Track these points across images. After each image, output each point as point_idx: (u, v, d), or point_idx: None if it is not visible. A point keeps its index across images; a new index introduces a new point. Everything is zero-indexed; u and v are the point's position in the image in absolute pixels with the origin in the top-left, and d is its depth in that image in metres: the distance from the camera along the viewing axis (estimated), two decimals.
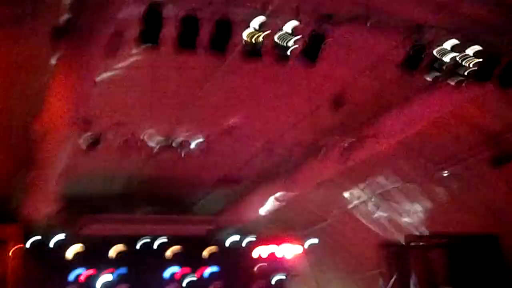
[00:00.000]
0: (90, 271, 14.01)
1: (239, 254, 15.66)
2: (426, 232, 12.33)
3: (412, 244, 11.73)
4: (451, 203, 11.82)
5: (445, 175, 11.33)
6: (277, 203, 12.91)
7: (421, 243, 11.84)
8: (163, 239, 14.77)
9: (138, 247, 14.60)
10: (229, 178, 12.19)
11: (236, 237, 15.68)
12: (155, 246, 14.77)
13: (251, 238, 15.75)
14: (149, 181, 13.21)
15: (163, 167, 12.48)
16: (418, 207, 12.49)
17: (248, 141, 10.38)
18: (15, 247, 12.79)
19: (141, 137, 9.19)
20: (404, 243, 11.84)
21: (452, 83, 7.91)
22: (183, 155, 9.48)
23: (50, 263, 13.58)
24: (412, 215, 12.65)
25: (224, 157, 11.64)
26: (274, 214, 14.15)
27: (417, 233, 12.39)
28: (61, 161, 10.27)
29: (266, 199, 13.09)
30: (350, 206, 13.52)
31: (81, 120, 8.81)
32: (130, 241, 14.43)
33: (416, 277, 11.51)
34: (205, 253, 15.44)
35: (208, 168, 12.52)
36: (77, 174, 11.45)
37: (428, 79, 7.93)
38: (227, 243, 15.64)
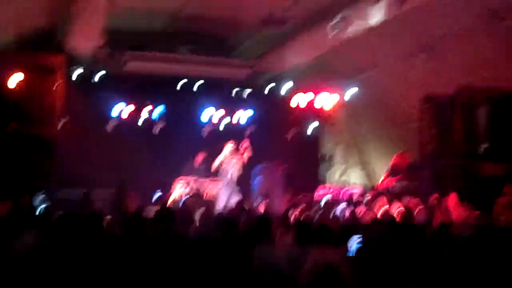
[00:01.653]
0: (132, 108, 14.29)
1: (277, 100, 15.72)
2: (471, 86, 11.99)
3: (457, 98, 11.51)
4: (499, 58, 11.39)
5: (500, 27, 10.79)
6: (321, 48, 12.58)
7: (466, 98, 11.59)
8: (203, 81, 14.81)
9: (178, 87, 14.72)
10: (273, 19, 11.79)
11: (275, 83, 15.66)
12: (194, 87, 14.87)
13: (290, 85, 15.69)
14: (191, 19, 12.86)
15: (206, 5, 12.13)
16: (465, 60, 12.08)
17: None
18: (61, 78, 12.91)
19: None
20: (448, 97, 11.63)
21: None
22: None
23: (94, 97, 13.84)
24: (458, 68, 12.26)
25: None
26: (317, 60, 13.89)
27: (462, 87, 12.06)
28: None
29: (309, 44, 12.77)
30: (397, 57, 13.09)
31: None
32: (170, 80, 14.52)
33: (458, 132, 11.45)
34: (244, 97, 15.55)
35: (252, 7, 12.10)
36: (120, 8, 11.18)
37: None
38: (266, 89, 15.67)
